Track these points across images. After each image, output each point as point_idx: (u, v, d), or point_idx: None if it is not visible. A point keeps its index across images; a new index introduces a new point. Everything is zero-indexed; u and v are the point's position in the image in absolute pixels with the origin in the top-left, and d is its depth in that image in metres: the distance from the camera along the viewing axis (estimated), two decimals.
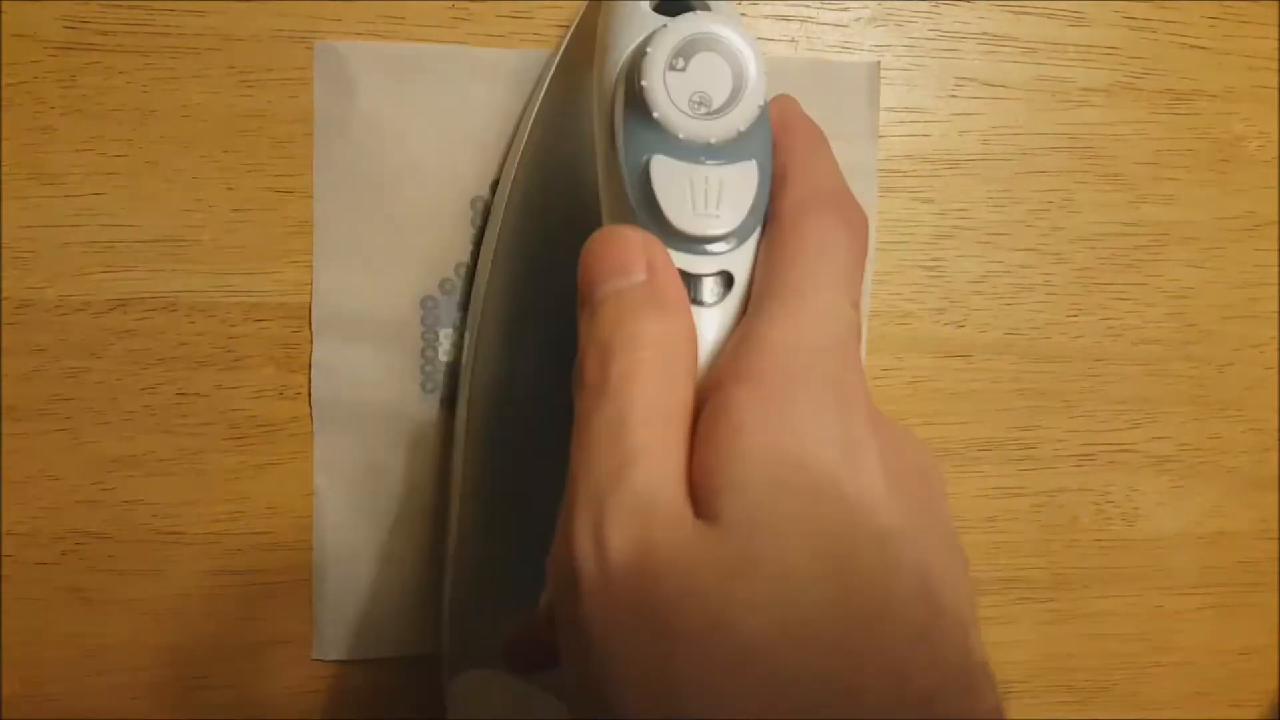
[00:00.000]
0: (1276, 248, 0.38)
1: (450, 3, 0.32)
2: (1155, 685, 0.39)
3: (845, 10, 0.35)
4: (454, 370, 0.33)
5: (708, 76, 0.21)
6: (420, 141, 0.32)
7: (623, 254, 0.20)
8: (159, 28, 0.31)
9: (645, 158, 0.21)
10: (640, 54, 0.21)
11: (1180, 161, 0.37)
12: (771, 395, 0.18)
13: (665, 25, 0.21)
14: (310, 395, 0.32)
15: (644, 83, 0.21)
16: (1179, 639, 0.39)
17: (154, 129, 0.31)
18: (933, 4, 0.35)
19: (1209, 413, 0.39)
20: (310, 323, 0.32)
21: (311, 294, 0.32)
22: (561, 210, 0.30)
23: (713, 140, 0.21)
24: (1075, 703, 0.39)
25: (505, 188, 0.32)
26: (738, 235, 0.21)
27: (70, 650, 0.32)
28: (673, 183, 0.20)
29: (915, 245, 0.36)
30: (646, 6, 0.23)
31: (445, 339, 0.33)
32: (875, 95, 0.35)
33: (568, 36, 0.31)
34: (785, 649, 0.16)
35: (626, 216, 0.21)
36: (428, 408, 0.33)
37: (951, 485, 0.37)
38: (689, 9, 0.23)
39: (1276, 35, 0.37)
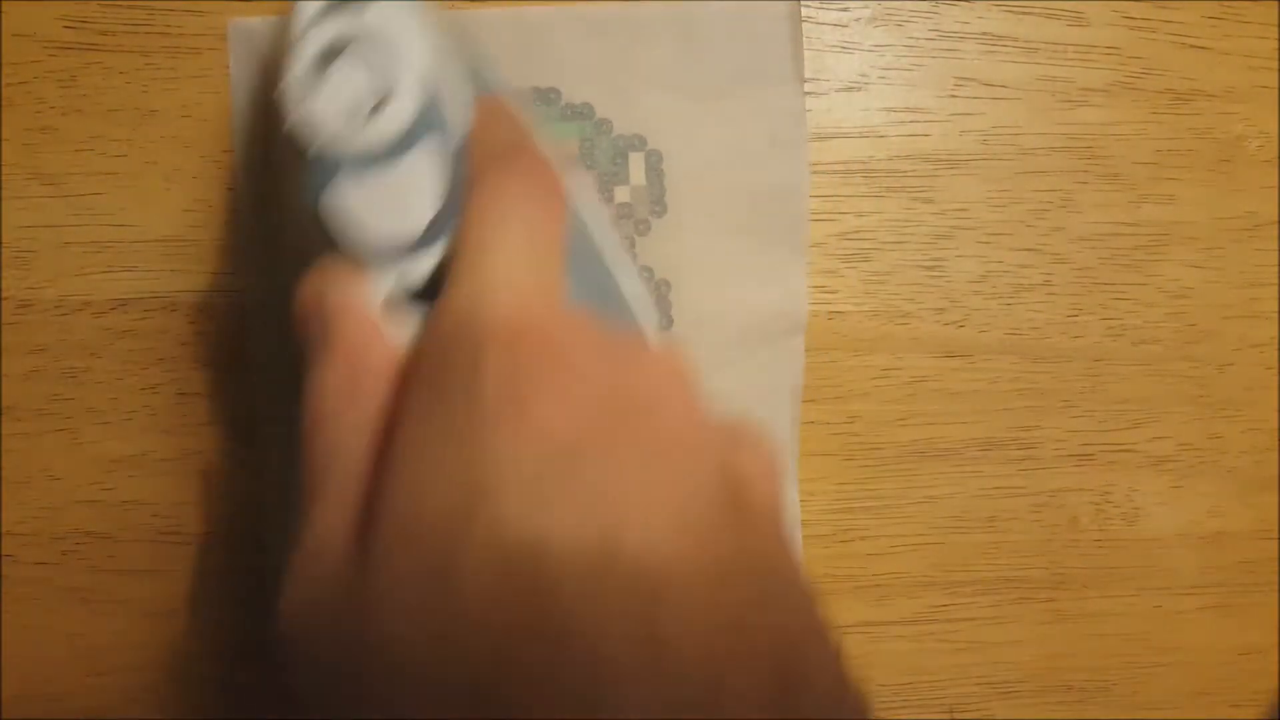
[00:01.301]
0: (1276, 248, 0.38)
1: (450, 2, 0.32)
2: (1155, 685, 0.39)
3: (845, 10, 0.35)
4: None
5: (351, 79, 0.19)
6: None
7: (301, 306, 0.20)
8: (159, 28, 0.31)
9: (318, 187, 0.19)
10: (283, 87, 0.19)
11: (1180, 161, 0.37)
12: (424, 395, 0.17)
13: (301, 37, 0.19)
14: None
15: (289, 109, 0.19)
16: (1179, 639, 0.39)
17: (154, 129, 0.31)
18: (933, 4, 0.35)
19: (1209, 413, 0.39)
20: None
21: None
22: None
23: (380, 145, 0.19)
24: (1075, 703, 0.39)
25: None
26: (435, 234, 0.19)
27: (70, 650, 0.32)
28: (351, 203, 0.19)
29: (915, 245, 0.36)
30: (310, 13, 0.20)
31: None
32: (798, 36, 0.34)
33: None
34: (420, 663, 0.16)
35: (328, 250, 0.20)
36: None
37: (951, 485, 0.37)
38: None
39: (1276, 35, 0.37)
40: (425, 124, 0.19)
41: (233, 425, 0.32)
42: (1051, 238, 0.37)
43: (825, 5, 0.34)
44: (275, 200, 0.23)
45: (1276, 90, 0.38)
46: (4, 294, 0.31)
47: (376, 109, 0.19)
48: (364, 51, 0.19)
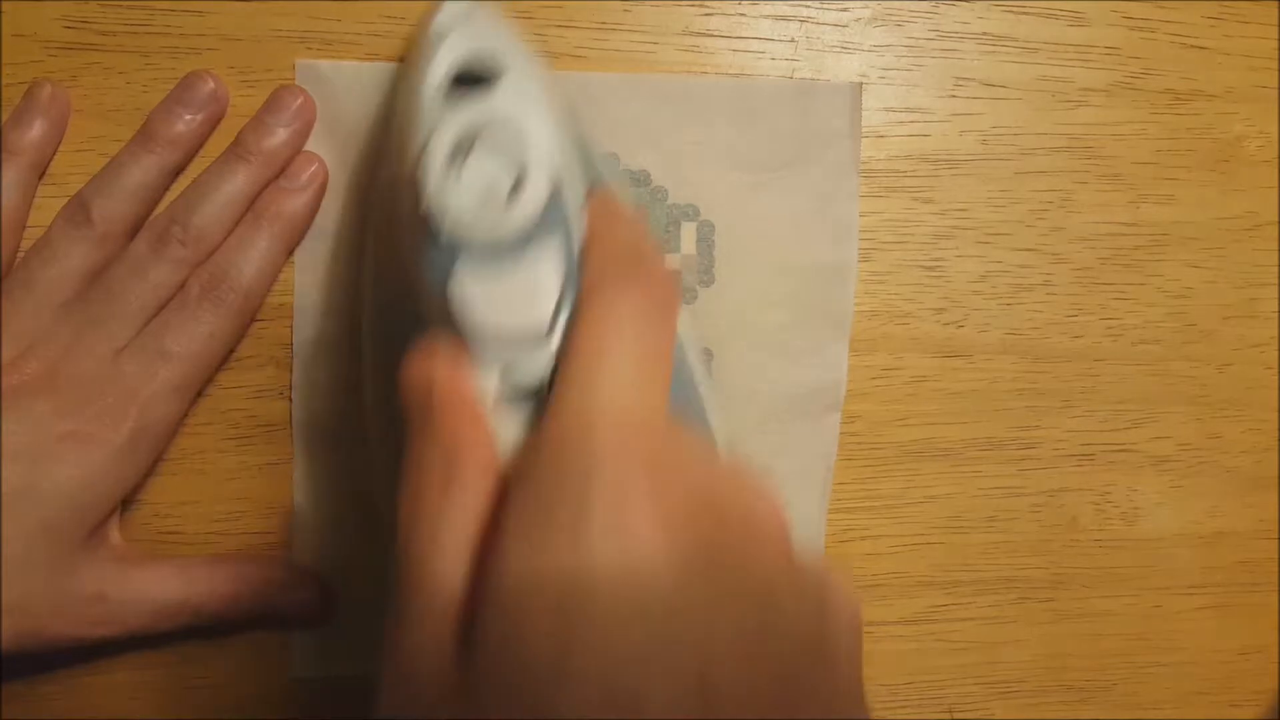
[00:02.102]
0: (1276, 248, 0.38)
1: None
2: (1155, 685, 0.39)
3: (845, 10, 0.35)
4: None
5: (487, 170, 0.19)
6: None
7: (410, 379, 0.20)
8: (159, 28, 0.31)
9: (446, 272, 0.19)
10: (416, 170, 0.19)
11: (1180, 161, 0.37)
12: (531, 502, 0.18)
13: (437, 127, 0.19)
14: (290, 415, 0.32)
15: (423, 197, 0.19)
16: (1179, 639, 0.39)
17: None
18: (933, 4, 0.35)
19: (1209, 413, 0.39)
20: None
21: (292, 314, 0.32)
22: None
23: (509, 236, 0.19)
24: (1075, 703, 0.39)
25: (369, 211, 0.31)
26: (555, 327, 0.19)
27: (70, 650, 0.32)
28: (478, 290, 0.19)
29: (915, 245, 0.36)
30: (434, 92, 0.21)
31: None
32: (857, 119, 0.35)
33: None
34: None
35: (446, 329, 0.20)
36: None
37: (951, 485, 0.37)
38: (482, 82, 0.21)
39: (1276, 35, 0.37)
40: (550, 217, 0.19)
41: (233, 425, 0.32)
42: (1051, 238, 0.37)
43: (825, 5, 0.34)
44: (386, 266, 0.25)
45: (1276, 90, 0.38)
46: None
47: (508, 199, 0.19)
48: (496, 141, 0.19)
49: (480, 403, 0.20)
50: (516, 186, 0.19)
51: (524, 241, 0.19)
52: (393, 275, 0.27)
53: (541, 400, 0.19)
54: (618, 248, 0.21)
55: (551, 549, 0.17)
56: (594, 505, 0.17)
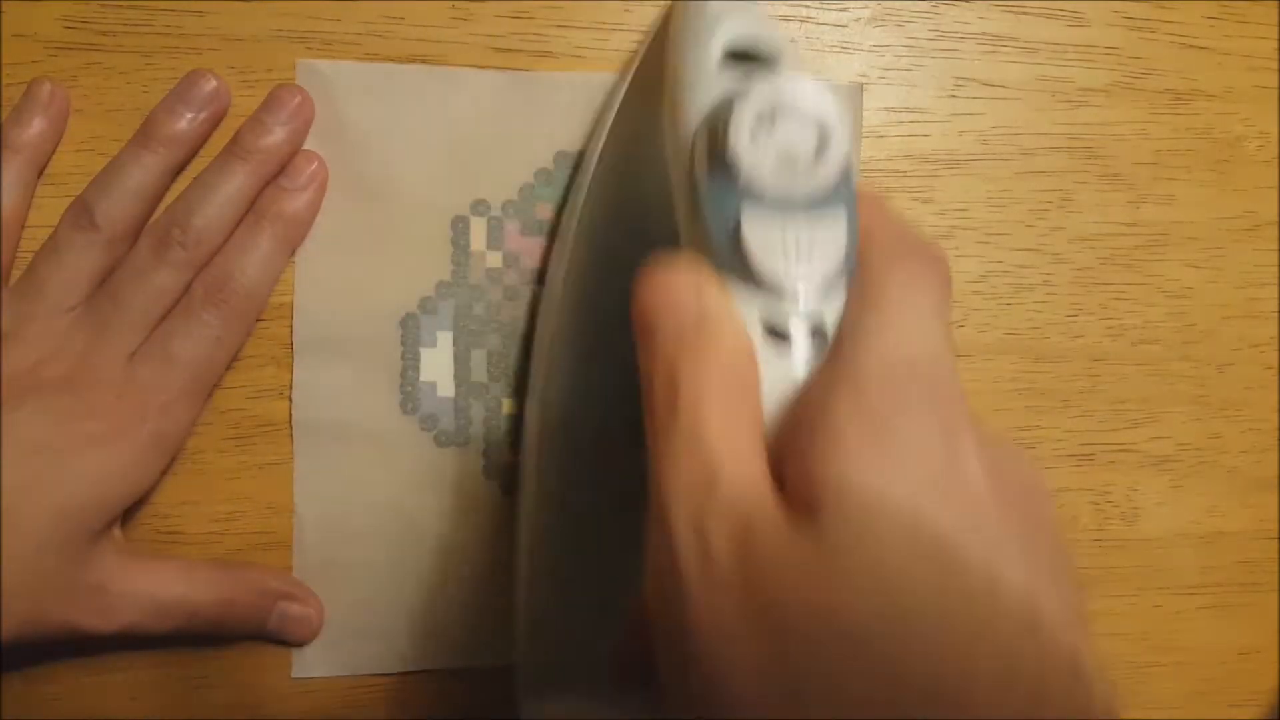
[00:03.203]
0: (1276, 248, 0.38)
1: (450, 3, 0.32)
2: (1155, 685, 0.39)
3: (845, 10, 0.35)
4: (431, 390, 0.33)
5: (791, 136, 0.21)
6: (403, 161, 0.32)
7: (676, 291, 0.21)
8: (159, 28, 0.31)
9: (734, 216, 0.21)
10: (722, 121, 0.21)
11: (1180, 161, 0.37)
12: (871, 404, 0.18)
13: (747, 92, 0.21)
14: (290, 416, 0.32)
15: (731, 150, 0.21)
16: (1179, 639, 0.39)
17: None
18: (933, 4, 0.35)
19: (1209, 413, 0.39)
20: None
21: (292, 314, 0.32)
22: (634, 239, 0.31)
23: (801, 197, 0.21)
24: None
25: (574, 212, 0.32)
26: (831, 285, 0.21)
27: (70, 650, 0.32)
28: (764, 237, 0.21)
29: None
30: (715, 62, 0.24)
31: (426, 358, 0.33)
32: (858, 119, 0.35)
33: (636, 63, 0.31)
34: (893, 639, 0.16)
35: (719, 269, 0.21)
36: (408, 428, 0.33)
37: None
38: (754, 60, 0.23)
39: (1276, 35, 0.37)
40: (839, 188, 0.21)
41: (233, 425, 0.32)
42: (1051, 238, 0.37)
43: (825, 5, 0.34)
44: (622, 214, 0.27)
45: (1276, 90, 0.38)
46: None
47: (806, 165, 0.21)
48: (802, 114, 0.21)
49: (738, 323, 0.21)
50: (815, 157, 0.21)
51: (815, 204, 0.21)
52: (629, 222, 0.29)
53: (798, 349, 0.21)
54: (900, 229, 0.22)
55: (899, 444, 0.18)
56: (927, 414, 0.18)
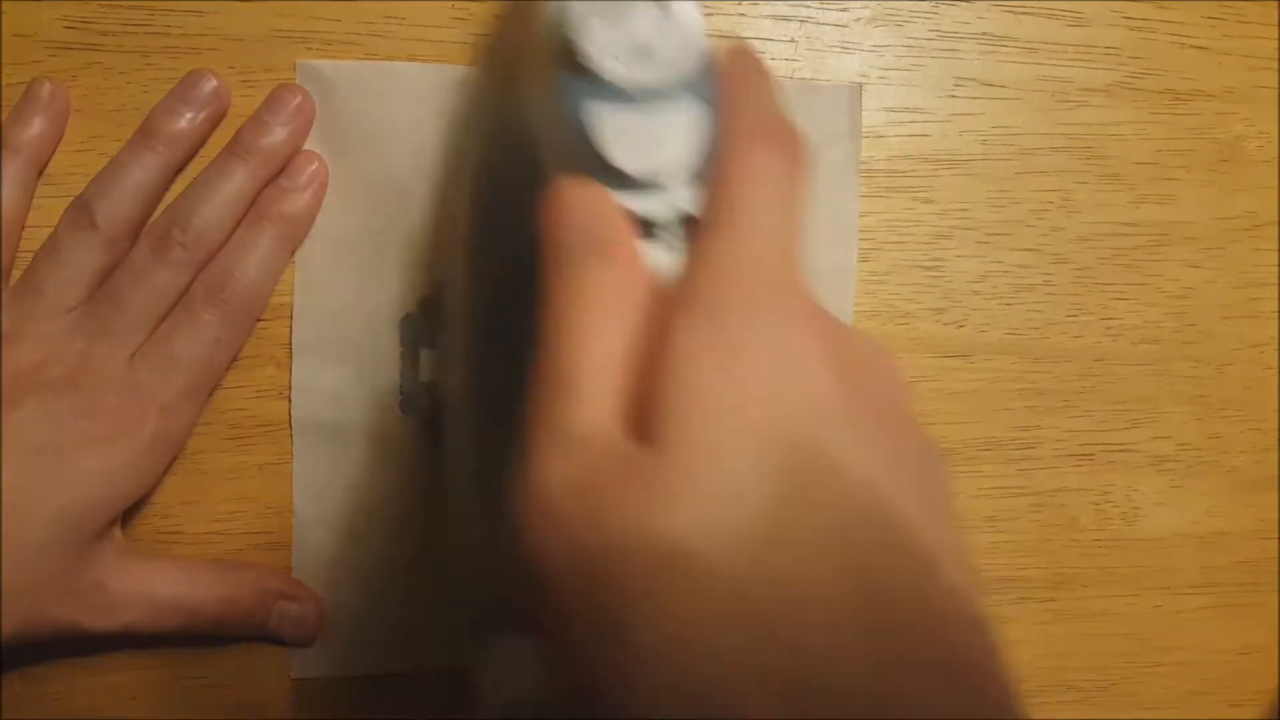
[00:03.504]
0: (1276, 248, 0.38)
1: (450, 3, 0.32)
2: (1155, 685, 0.39)
3: (845, 10, 0.35)
4: (433, 389, 0.33)
5: (642, 25, 0.21)
6: (403, 161, 0.32)
7: (567, 208, 0.20)
8: (159, 28, 0.31)
9: (582, 106, 0.21)
10: (567, 17, 0.21)
11: (1180, 161, 0.37)
12: (706, 314, 0.18)
13: None
14: (290, 416, 0.32)
15: (574, 35, 0.21)
16: (1179, 639, 0.39)
17: None
18: (933, 4, 0.35)
19: (1209, 413, 0.39)
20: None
21: (291, 315, 0.32)
22: (521, 206, 0.31)
23: (651, 85, 0.21)
24: (1075, 703, 0.39)
25: (461, 197, 0.31)
26: (691, 175, 0.21)
27: (70, 650, 0.32)
28: (615, 128, 0.21)
29: (915, 245, 0.36)
30: None
31: (426, 358, 0.33)
32: (857, 121, 0.35)
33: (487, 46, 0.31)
34: (734, 555, 0.16)
35: (573, 167, 0.21)
36: (408, 428, 0.33)
37: (951, 485, 0.37)
38: None
39: (1276, 35, 0.37)
40: (696, 79, 0.21)
41: (233, 425, 0.32)
42: (1051, 238, 0.37)
43: (825, 5, 0.34)
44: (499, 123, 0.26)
45: (1276, 90, 0.38)
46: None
47: (655, 54, 0.21)
48: (653, 11, 0.21)
49: (627, 234, 0.21)
50: (671, 44, 0.21)
51: (665, 95, 0.21)
52: (508, 128, 0.28)
53: (671, 239, 0.21)
54: (759, 109, 0.22)
55: (734, 350, 0.18)
56: (764, 317, 0.18)
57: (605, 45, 0.21)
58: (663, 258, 0.21)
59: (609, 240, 0.20)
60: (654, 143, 0.21)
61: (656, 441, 0.17)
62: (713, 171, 0.21)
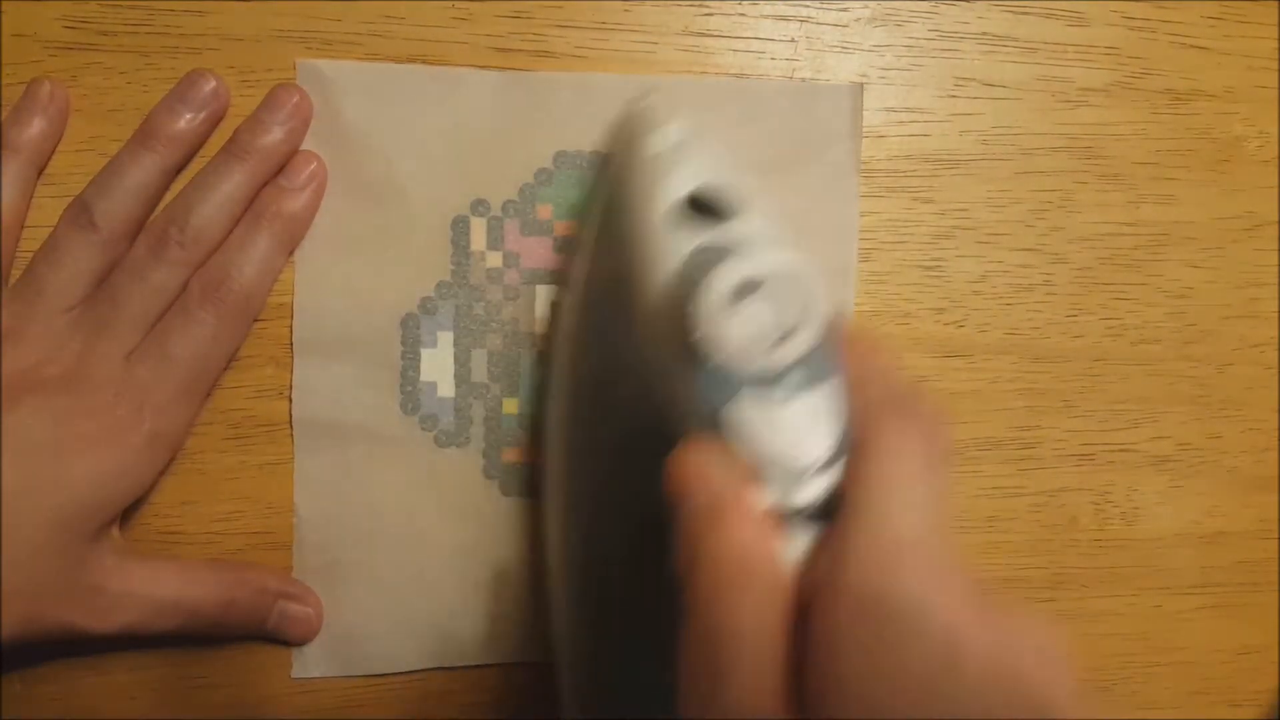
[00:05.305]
0: (1276, 248, 0.38)
1: (450, 3, 0.32)
2: (1155, 685, 0.39)
3: (845, 10, 0.35)
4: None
5: (766, 307, 0.21)
6: (402, 160, 0.32)
7: (697, 474, 0.21)
8: (159, 28, 0.31)
9: (717, 401, 0.21)
10: (692, 299, 0.21)
11: (1180, 161, 0.37)
12: (861, 613, 0.19)
13: (716, 267, 0.20)
14: (290, 416, 0.32)
15: (702, 332, 0.20)
16: (1179, 639, 0.39)
17: None
18: (933, 4, 0.35)
19: (1209, 413, 0.39)
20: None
21: (291, 315, 0.32)
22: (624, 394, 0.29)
23: (781, 370, 0.21)
24: None
25: (564, 306, 0.32)
26: (826, 458, 0.21)
27: (70, 650, 0.32)
28: (752, 421, 0.21)
29: (915, 245, 0.36)
30: (673, 221, 0.23)
31: (426, 358, 0.33)
32: (858, 121, 0.35)
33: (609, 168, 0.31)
34: None
35: (703, 432, 0.21)
36: (408, 428, 0.33)
37: (951, 485, 0.37)
38: (716, 210, 0.23)
39: (1276, 35, 0.37)
40: (818, 356, 0.21)
41: (233, 425, 0.32)
42: (1051, 238, 0.37)
43: (825, 5, 0.34)
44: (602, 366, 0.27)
45: (1276, 90, 0.38)
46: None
47: (782, 339, 0.21)
48: (775, 292, 0.21)
49: (765, 516, 0.21)
50: (792, 330, 0.21)
51: (795, 380, 0.21)
52: (612, 379, 0.29)
53: (812, 524, 0.21)
54: (888, 381, 0.22)
55: (891, 655, 0.18)
56: (914, 611, 0.19)
57: (740, 339, 0.21)
58: (800, 537, 0.21)
59: (727, 513, 0.20)
60: (782, 433, 0.21)
61: None
62: (852, 446, 0.21)
